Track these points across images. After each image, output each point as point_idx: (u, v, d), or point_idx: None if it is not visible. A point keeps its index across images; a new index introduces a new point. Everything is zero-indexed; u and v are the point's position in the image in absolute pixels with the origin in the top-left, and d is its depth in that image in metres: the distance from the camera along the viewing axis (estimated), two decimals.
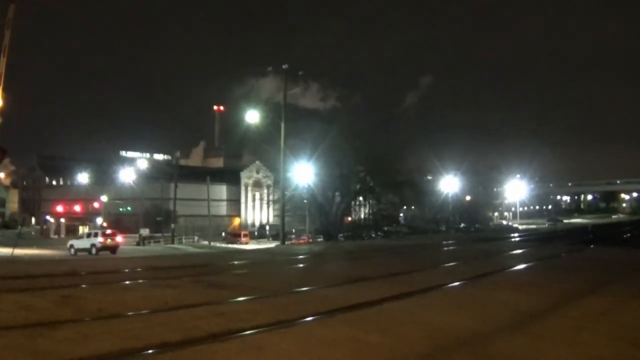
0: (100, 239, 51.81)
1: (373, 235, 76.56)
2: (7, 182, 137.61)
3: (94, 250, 50.17)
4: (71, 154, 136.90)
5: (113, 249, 51.43)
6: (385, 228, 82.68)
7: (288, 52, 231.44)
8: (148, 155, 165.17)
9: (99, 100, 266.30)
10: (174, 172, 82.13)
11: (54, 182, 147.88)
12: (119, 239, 55.58)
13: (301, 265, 27.77)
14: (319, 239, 66.01)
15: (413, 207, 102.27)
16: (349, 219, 78.52)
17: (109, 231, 56.22)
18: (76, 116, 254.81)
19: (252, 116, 54.91)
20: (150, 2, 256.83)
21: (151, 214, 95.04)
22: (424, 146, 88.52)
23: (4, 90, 29.13)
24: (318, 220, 68.76)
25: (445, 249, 41.28)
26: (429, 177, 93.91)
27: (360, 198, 77.76)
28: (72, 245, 53.05)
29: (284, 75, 49.79)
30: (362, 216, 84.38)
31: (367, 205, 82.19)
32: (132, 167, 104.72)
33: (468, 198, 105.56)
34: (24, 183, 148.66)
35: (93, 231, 58.65)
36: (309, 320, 11.17)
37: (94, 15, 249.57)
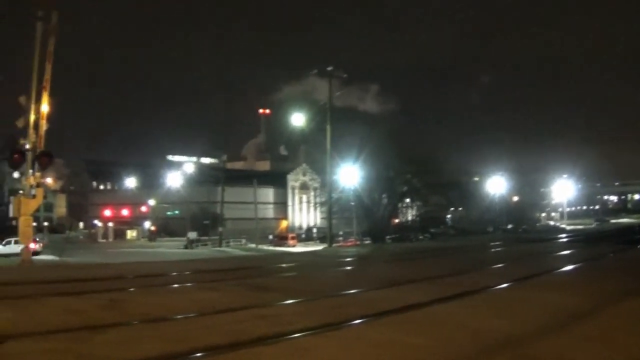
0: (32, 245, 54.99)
1: (420, 237, 76.17)
2: (56, 186, 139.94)
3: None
4: (117, 158, 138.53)
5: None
6: (432, 230, 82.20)
7: (332, 54, 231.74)
8: (195, 159, 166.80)
9: (145, 104, 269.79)
10: (221, 176, 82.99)
11: (101, 187, 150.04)
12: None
13: (348, 267, 27.71)
14: (366, 241, 65.91)
15: (460, 209, 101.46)
16: (396, 221, 78.25)
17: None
18: (122, 120, 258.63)
19: (298, 119, 55.19)
20: (192, 6, 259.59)
21: (198, 217, 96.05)
22: (470, 147, 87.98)
23: (50, 96, 29.81)
24: (365, 223, 68.69)
25: (492, 250, 40.79)
26: (476, 178, 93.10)
27: (407, 200, 77.42)
28: None
29: (329, 77, 49.84)
30: (409, 218, 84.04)
31: (414, 207, 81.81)
32: (179, 171, 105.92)
33: (515, 199, 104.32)
34: (71, 188, 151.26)
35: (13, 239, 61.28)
36: (355, 323, 11.11)
37: (136, 19, 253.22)
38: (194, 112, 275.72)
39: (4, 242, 59.75)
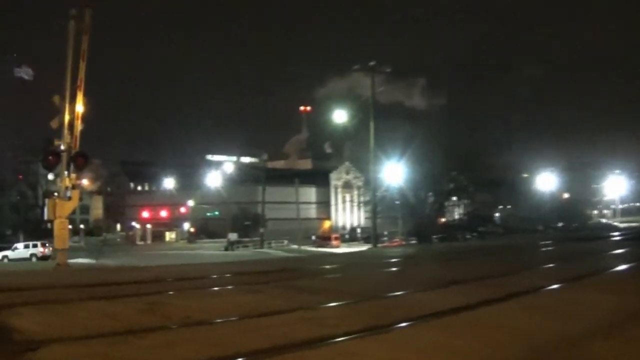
0: (40, 249, 58.91)
1: (467, 236, 75.58)
2: (92, 187, 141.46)
3: (34, 259, 54.54)
4: (155, 158, 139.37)
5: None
6: (480, 229, 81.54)
7: (378, 50, 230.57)
8: (234, 158, 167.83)
9: (182, 103, 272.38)
10: (262, 175, 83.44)
11: (139, 188, 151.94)
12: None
13: (393, 268, 27.62)
14: (412, 241, 65.66)
15: (508, 206, 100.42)
16: (442, 220, 77.75)
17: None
18: (159, 121, 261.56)
19: (340, 116, 55.19)
20: (230, 3, 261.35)
21: (239, 218, 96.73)
22: (519, 142, 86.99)
23: (84, 95, 30.08)
24: (410, 222, 68.41)
25: (543, 249, 40.27)
26: (525, 175, 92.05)
27: (454, 198, 76.85)
28: (5, 256, 57.30)
29: (371, 72, 49.71)
30: (456, 217, 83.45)
31: (461, 206, 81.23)
32: (219, 171, 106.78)
33: (565, 196, 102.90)
34: (108, 189, 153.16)
35: (31, 242, 63.26)
36: (401, 327, 11.06)
37: (171, 18, 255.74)
38: (234, 111, 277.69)
39: (12, 248, 61.53)
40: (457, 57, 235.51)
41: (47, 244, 61.92)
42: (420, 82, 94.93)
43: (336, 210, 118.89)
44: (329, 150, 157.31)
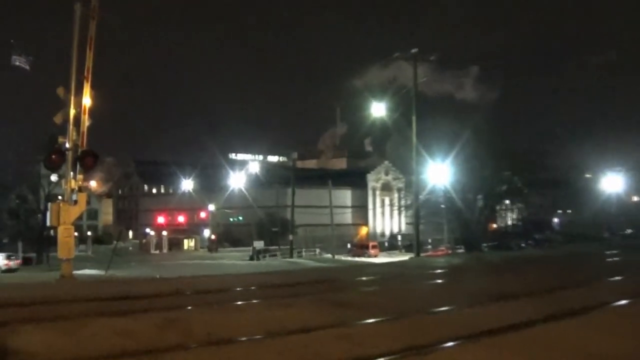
0: (4, 261, 59.97)
1: (522, 244, 74.86)
2: (101, 190, 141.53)
3: None
4: (172, 158, 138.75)
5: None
6: (536, 236, 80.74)
7: (419, 37, 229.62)
8: (261, 157, 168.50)
9: (204, 99, 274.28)
10: (291, 176, 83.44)
11: (154, 190, 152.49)
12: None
13: (439, 280, 27.51)
14: (459, 250, 65.27)
15: (569, 211, 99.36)
16: (494, 226, 77.18)
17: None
18: (177, 117, 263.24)
19: (378, 109, 54.97)
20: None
21: (266, 224, 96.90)
22: (581, 139, 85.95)
23: (92, 87, 29.79)
24: (458, 228, 67.96)
25: (609, 259, 39.81)
26: (588, 175, 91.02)
27: (506, 201, 76.19)
28: None
29: (413, 61, 49.51)
30: (509, 222, 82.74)
31: (514, 210, 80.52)
32: (243, 172, 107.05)
33: (635, 199, 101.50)
34: (119, 192, 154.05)
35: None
36: (448, 346, 11.00)
37: (193, 9, 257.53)
38: (260, 106, 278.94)
39: None
40: (514, 44, 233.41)
41: (12, 257, 63.11)
42: (473, 72, 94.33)
43: (374, 215, 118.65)
44: (368, 148, 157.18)
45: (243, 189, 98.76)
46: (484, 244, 65.95)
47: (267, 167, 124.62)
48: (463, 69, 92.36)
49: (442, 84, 77.24)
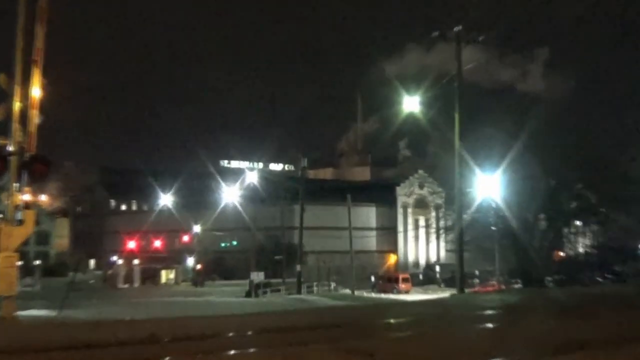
0: None
1: (598, 278, 74.51)
2: (55, 207, 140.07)
3: None
4: (147, 166, 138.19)
5: None
6: (617, 268, 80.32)
7: (453, 13, 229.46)
8: (261, 165, 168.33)
9: (188, 93, 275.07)
10: (300, 189, 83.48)
11: (123, 207, 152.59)
12: None
13: (489, 324, 27.44)
14: (516, 285, 64.99)
15: None
16: (560, 254, 76.78)
17: None
18: (156, 116, 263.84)
19: (411, 104, 54.92)
20: None
21: (267, 250, 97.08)
22: None
23: (44, 74, 29.33)
24: (513, 257, 67.61)
25: None
26: None
27: (578, 223, 75.82)
28: None
29: (456, 42, 49.44)
30: (581, 250, 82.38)
31: (588, 234, 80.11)
32: (238, 183, 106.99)
33: None
34: (79, 209, 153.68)
35: None
36: None
37: None
38: (261, 102, 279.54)
39: None
40: (594, 19, 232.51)
41: None
42: (540, 56, 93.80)
43: (405, 239, 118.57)
44: (405, 152, 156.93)
45: (238, 206, 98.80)
46: (548, 278, 65.63)
47: (270, 178, 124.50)
48: (527, 52, 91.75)
49: (500, 73, 76.87)
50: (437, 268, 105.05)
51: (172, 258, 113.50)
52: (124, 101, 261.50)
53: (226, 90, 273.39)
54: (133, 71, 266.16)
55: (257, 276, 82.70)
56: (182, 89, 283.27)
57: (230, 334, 22.55)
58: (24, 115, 28.85)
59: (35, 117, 28.94)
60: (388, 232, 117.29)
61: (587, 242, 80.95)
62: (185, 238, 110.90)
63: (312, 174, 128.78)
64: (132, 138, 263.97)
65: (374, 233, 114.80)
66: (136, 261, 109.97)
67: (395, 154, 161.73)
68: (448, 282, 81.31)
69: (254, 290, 78.81)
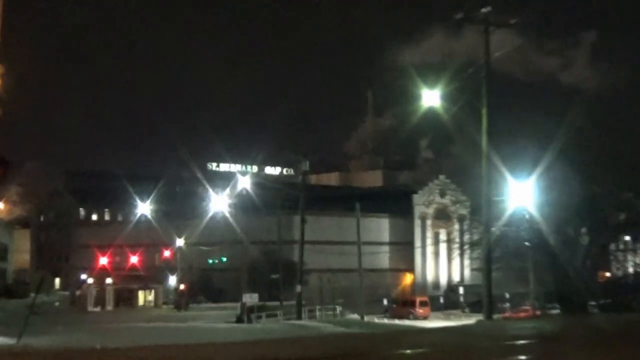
0: None
1: None
2: (14, 216, 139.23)
3: None
4: (123, 170, 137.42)
5: None
6: None
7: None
8: (254, 168, 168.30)
9: (172, 86, 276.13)
10: (300, 197, 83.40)
11: (94, 217, 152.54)
12: None
13: (522, 357, 27.36)
14: (553, 310, 64.94)
15: None
16: (606, 274, 76.74)
17: None
18: (132, 111, 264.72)
19: (431, 98, 54.85)
20: None
21: (261, 268, 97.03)
22: None
23: (1, 61, 29.21)
24: (550, 278, 67.52)
25: None
26: None
27: (627, 238, 75.73)
28: None
29: (484, 26, 49.34)
30: (630, 270, 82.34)
31: None
32: (228, 189, 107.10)
33: None
34: (42, 219, 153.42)
35: None
36: None
37: None
38: (254, 95, 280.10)
39: None
40: None
41: None
42: (586, 42, 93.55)
43: (423, 256, 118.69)
44: (426, 153, 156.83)
45: (228, 216, 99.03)
46: (591, 302, 65.57)
47: (265, 183, 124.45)
48: (570, 37, 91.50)
49: (537, 62, 76.63)
50: (461, 290, 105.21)
51: (152, 277, 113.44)
52: (98, 96, 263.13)
53: (215, 84, 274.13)
54: (108, 63, 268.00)
55: (250, 298, 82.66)
56: (164, 82, 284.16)
57: None
58: None
59: None
60: (403, 248, 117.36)
61: (638, 260, 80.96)
62: (167, 253, 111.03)
63: (314, 179, 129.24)
64: (106, 137, 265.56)
65: (386, 248, 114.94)
66: (109, 280, 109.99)
67: (412, 156, 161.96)
68: (473, 307, 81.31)
69: (246, 314, 78.82)
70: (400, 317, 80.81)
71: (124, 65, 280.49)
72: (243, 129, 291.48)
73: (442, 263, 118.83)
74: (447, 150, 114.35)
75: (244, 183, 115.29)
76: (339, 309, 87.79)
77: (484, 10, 48.83)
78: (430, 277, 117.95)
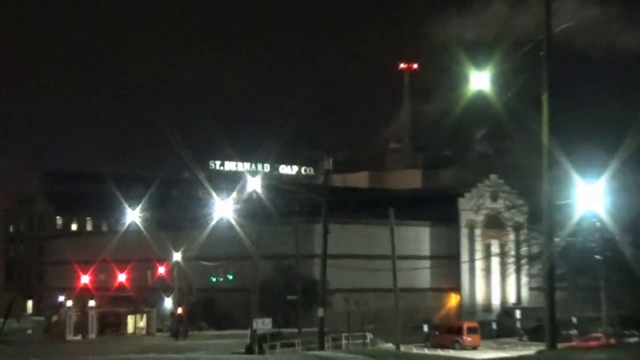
0: None
1: None
2: None
3: None
4: (109, 170, 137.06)
5: None
6: None
7: None
8: (266, 167, 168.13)
9: (171, 72, 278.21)
10: (322, 201, 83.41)
11: (74, 227, 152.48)
12: None
13: None
14: (631, 338, 64.83)
15: None
16: None
17: None
18: (119, 107, 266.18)
19: (480, 81, 54.88)
20: None
21: (275, 288, 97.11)
22: None
23: None
24: (628, 298, 67.59)
25: None
26: None
27: None
28: None
29: None
30: None
31: None
32: (235, 193, 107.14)
33: None
34: (11, 229, 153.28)
35: None
36: None
37: None
38: (266, 82, 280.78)
39: None
40: None
41: None
42: None
43: (472, 272, 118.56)
44: (482, 146, 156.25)
45: (235, 224, 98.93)
46: None
47: (279, 185, 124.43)
48: None
49: (614, 37, 76.50)
50: (517, 314, 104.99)
51: (143, 299, 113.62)
52: (80, 84, 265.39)
53: (217, 68, 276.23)
54: (94, 48, 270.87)
55: (262, 324, 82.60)
56: (159, 69, 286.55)
57: None
58: None
59: None
60: (447, 262, 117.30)
61: None
62: (161, 270, 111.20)
63: (339, 179, 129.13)
64: (88, 132, 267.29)
65: (427, 263, 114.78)
66: (92, 303, 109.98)
67: (458, 152, 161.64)
68: (533, 334, 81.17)
69: (257, 344, 78.89)
70: (444, 347, 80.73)
71: (110, 50, 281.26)
72: (252, 120, 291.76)
73: (495, 281, 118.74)
74: (499, 144, 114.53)
75: (254, 185, 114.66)
76: (369, 336, 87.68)
77: None
78: (480, 298, 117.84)
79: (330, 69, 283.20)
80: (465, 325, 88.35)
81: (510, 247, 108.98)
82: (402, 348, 78.12)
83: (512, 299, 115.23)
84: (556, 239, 54.92)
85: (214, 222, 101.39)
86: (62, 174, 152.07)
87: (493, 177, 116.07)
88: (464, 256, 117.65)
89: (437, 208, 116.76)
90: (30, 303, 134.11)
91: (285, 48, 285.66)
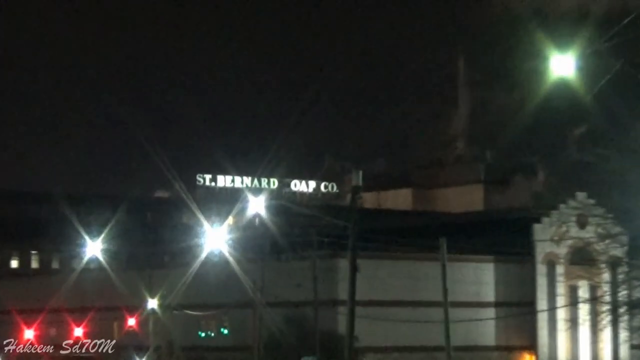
0: None
1: None
2: None
3: None
4: (61, 189, 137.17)
5: None
6: None
7: None
8: (274, 182, 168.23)
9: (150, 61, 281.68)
10: (350, 228, 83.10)
11: (14, 263, 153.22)
12: None
13: None
14: None
15: None
16: None
17: None
18: (78, 110, 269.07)
19: (563, 66, 54.68)
20: None
21: (285, 345, 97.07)
22: None
23: None
24: None
25: None
26: None
27: None
28: None
29: None
30: None
31: None
32: (231, 217, 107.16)
33: None
34: None
35: None
36: None
37: None
38: (274, 79, 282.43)
39: None
40: None
41: None
42: None
43: (552, 323, 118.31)
44: (580, 152, 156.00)
45: (231, 260, 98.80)
46: None
47: (291, 207, 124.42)
48: None
49: None
50: None
51: (108, 359, 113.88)
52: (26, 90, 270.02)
53: (206, 59, 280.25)
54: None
55: None
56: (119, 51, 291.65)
57: None
58: None
59: None
60: (519, 311, 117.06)
61: None
62: (132, 322, 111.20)
63: (372, 199, 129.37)
64: (37, 141, 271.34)
65: (491, 312, 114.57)
66: None
67: (528, 160, 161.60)
68: None
69: None
70: None
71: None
72: (254, 121, 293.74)
73: (583, 336, 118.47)
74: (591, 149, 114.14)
75: (257, 206, 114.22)
76: None
77: None
78: (563, 358, 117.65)
79: (362, 55, 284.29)
80: None
81: (605, 290, 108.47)
82: None
83: (607, 357, 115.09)
84: None
85: (202, 258, 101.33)
86: (6, 190, 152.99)
87: (580, 195, 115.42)
88: (542, 303, 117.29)
89: (504, 237, 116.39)
90: None
91: (303, 31, 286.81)
